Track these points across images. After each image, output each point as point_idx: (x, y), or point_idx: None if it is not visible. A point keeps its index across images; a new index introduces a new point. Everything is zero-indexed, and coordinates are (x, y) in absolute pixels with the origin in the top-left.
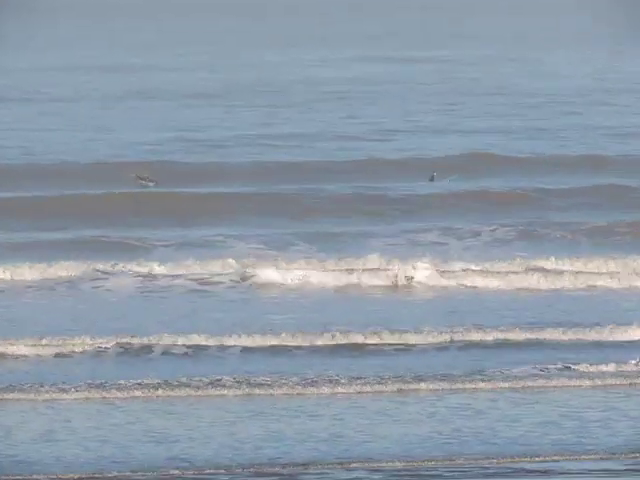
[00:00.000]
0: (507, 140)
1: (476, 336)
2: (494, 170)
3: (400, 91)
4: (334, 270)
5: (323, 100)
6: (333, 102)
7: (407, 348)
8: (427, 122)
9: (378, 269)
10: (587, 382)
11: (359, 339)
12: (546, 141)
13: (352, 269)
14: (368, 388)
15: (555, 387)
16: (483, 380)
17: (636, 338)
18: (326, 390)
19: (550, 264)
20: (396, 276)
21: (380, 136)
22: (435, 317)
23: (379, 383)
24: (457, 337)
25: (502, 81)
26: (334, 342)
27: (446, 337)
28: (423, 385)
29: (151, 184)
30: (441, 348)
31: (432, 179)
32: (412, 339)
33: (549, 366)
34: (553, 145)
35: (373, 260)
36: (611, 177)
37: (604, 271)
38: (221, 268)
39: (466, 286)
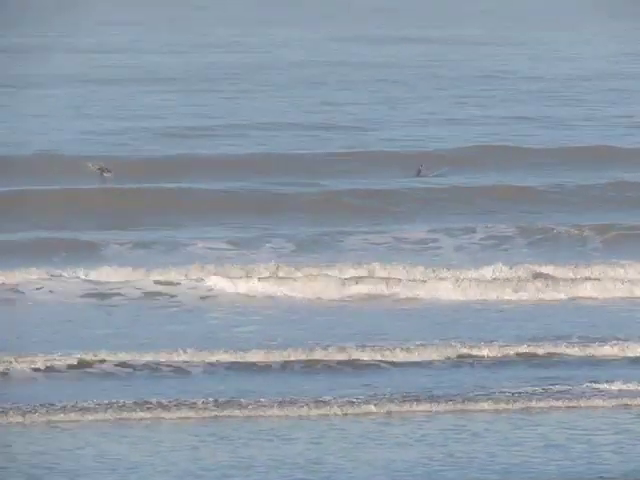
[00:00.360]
0: (507, 130)
1: (472, 351)
2: (491, 163)
3: (387, 75)
4: (308, 277)
5: (299, 84)
6: (311, 87)
7: (394, 364)
8: (417, 110)
9: (360, 277)
10: (596, 402)
11: (339, 355)
12: (552, 131)
13: (329, 275)
14: (352, 409)
15: (560, 407)
16: (479, 399)
17: None
18: (302, 411)
19: (553, 269)
20: (381, 283)
21: (363, 125)
22: (425, 330)
23: (365, 403)
24: (450, 352)
25: (502, 65)
26: (309, 358)
27: (437, 352)
28: (412, 405)
29: (108, 174)
30: (432, 364)
31: (419, 173)
32: (400, 355)
33: (553, 384)
34: (560, 135)
35: (352, 266)
36: (625, 172)
37: (615, 277)
38: (182, 275)
39: (457, 295)
